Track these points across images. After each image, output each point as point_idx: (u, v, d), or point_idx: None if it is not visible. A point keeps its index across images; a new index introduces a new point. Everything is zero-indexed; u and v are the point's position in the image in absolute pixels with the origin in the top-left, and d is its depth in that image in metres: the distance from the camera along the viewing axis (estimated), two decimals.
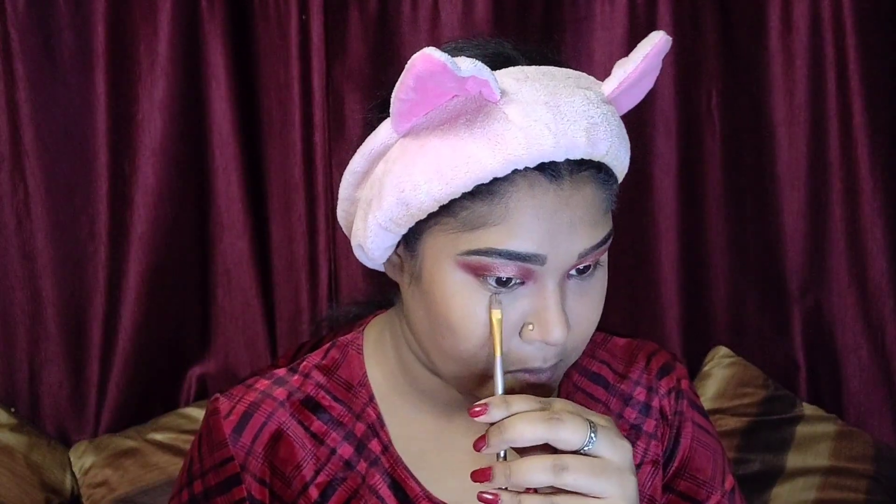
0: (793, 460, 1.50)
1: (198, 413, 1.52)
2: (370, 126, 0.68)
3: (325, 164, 1.56)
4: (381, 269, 0.72)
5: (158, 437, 1.48)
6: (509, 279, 0.62)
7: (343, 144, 1.57)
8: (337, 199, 0.72)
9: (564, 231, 0.61)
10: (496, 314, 0.62)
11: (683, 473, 0.80)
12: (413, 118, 0.62)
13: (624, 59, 0.66)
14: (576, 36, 1.61)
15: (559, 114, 0.60)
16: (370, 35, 1.57)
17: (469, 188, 0.60)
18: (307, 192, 1.57)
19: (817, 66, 1.61)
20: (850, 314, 1.65)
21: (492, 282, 0.62)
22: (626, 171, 0.67)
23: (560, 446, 0.58)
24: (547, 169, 0.61)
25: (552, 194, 0.61)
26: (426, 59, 0.56)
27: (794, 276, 1.68)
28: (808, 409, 1.59)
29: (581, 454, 0.58)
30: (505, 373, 0.63)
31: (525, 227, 0.60)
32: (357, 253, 0.70)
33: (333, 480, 0.74)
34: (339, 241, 1.58)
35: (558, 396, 0.78)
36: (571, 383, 0.80)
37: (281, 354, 0.82)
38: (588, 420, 0.59)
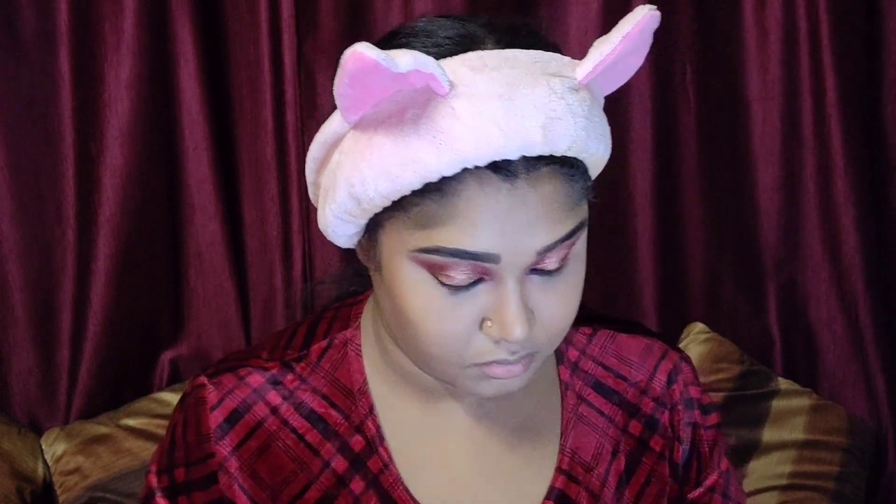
0: (768, 434, 1.52)
1: (171, 398, 1.50)
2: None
3: (297, 143, 1.54)
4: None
5: (131, 422, 1.46)
6: (467, 276, 0.60)
7: (316, 122, 1.53)
8: None
9: (521, 230, 0.59)
10: None
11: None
12: (359, 111, 0.59)
13: (602, 39, 0.61)
14: (550, 10, 1.58)
15: (512, 108, 0.56)
16: (342, 10, 1.54)
17: (417, 186, 0.58)
18: (280, 172, 1.54)
19: (791, 41, 1.61)
20: (823, 289, 1.66)
21: (448, 278, 0.60)
22: (604, 160, 0.64)
23: None
24: (500, 167, 0.57)
25: (505, 193, 0.58)
26: (357, 58, 0.54)
27: (768, 251, 1.68)
28: (783, 383, 1.60)
29: None
30: (474, 365, 0.63)
31: (476, 226, 0.58)
32: (326, 235, 0.69)
33: (325, 497, 0.71)
34: (312, 221, 1.56)
35: (562, 409, 0.76)
36: (575, 394, 0.77)
37: (265, 339, 0.78)
38: None
